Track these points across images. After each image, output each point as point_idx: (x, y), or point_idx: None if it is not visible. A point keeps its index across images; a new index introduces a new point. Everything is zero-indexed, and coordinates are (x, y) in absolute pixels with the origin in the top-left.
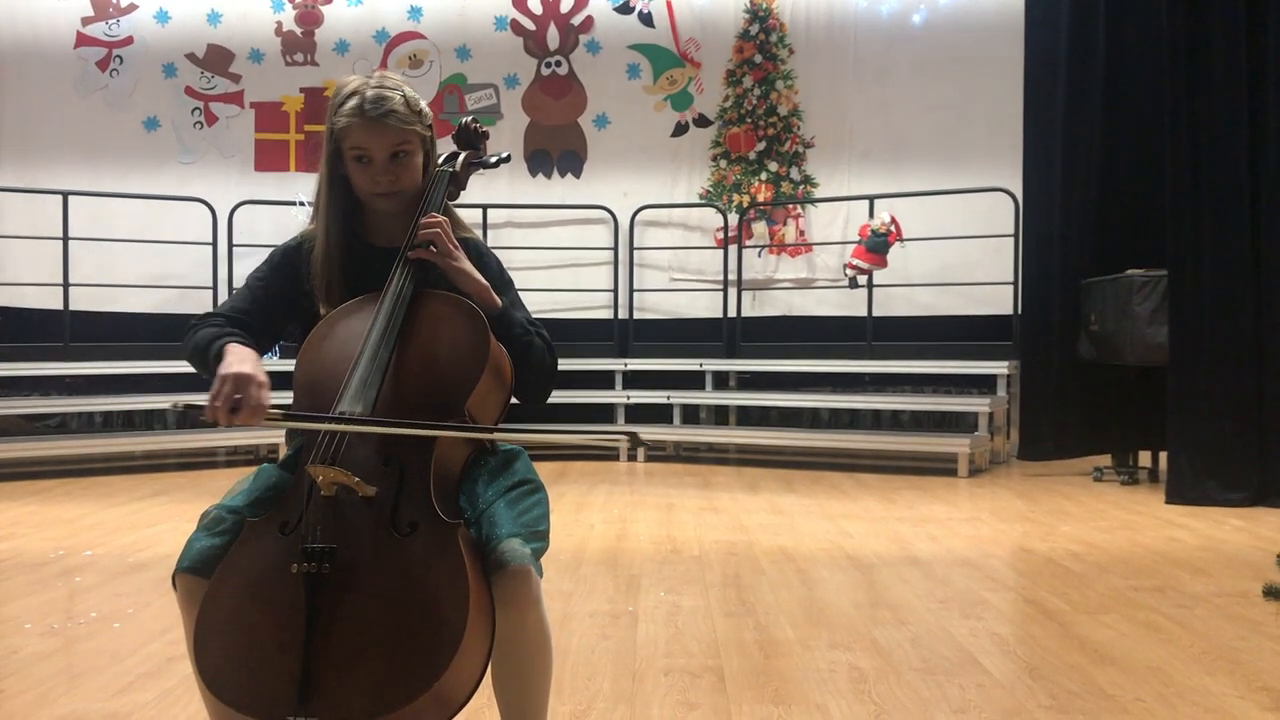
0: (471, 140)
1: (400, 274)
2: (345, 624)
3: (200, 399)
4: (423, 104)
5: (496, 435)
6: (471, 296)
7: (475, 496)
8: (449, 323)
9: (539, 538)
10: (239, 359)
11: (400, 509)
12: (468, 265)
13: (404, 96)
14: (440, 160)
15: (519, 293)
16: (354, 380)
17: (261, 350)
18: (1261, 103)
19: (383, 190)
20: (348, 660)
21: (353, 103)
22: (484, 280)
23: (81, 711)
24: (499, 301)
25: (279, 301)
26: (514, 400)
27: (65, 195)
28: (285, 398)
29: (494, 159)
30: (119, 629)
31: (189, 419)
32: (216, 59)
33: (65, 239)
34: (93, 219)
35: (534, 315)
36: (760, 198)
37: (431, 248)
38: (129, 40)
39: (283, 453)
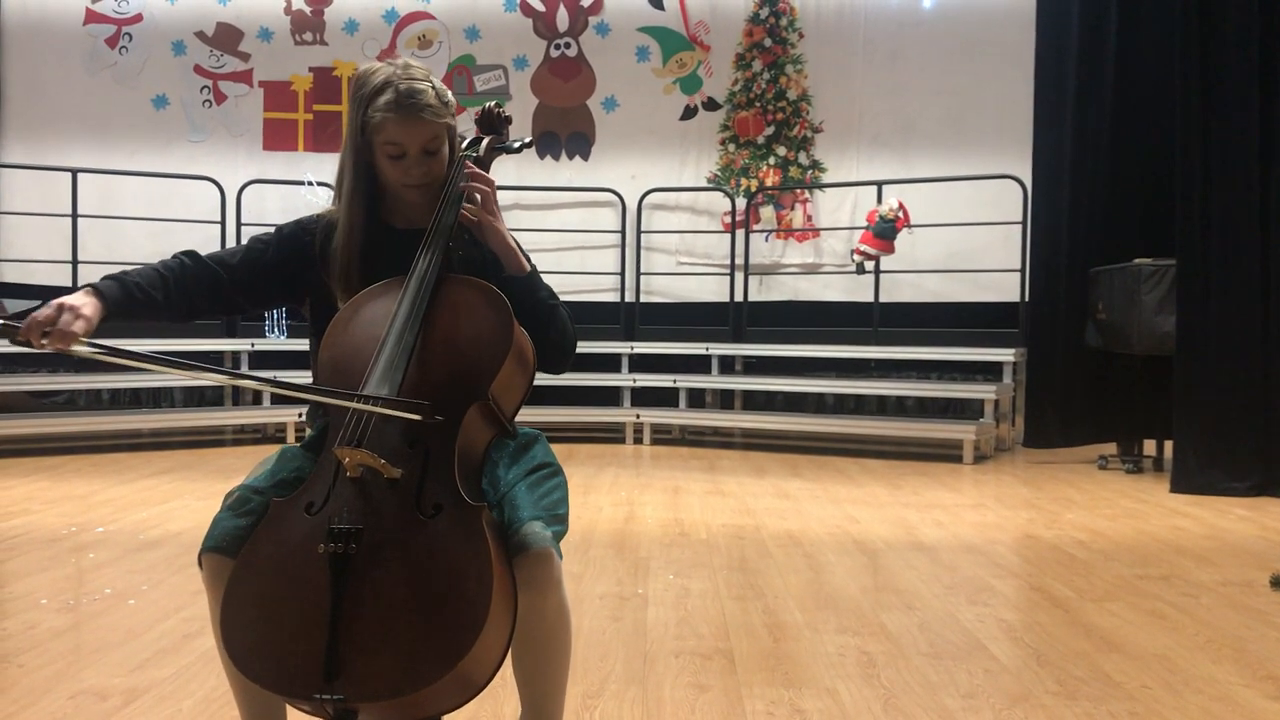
0: (495, 125)
1: (427, 253)
2: (370, 604)
3: (20, 324)
4: (449, 94)
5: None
6: (501, 258)
7: (497, 480)
8: (474, 307)
9: (559, 521)
10: (83, 293)
11: (425, 491)
12: (504, 228)
13: (434, 89)
14: (463, 145)
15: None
16: (380, 363)
17: (230, 307)
18: (1273, 91)
19: (416, 183)
20: (373, 640)
21: (386, 98)
22: (515, 246)
23: (100, 687)
24: (527, 266)
25: (274, 270)
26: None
27: (74, 173)
28: (303, 377)
29: (517, 144)
30: (134, 605)
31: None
32: (226, 37)
33: (74, 216)
34: (101, 197)
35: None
36: (768, 182)
37: (477, 198)
38: (138, 18)
39: (290, 432)
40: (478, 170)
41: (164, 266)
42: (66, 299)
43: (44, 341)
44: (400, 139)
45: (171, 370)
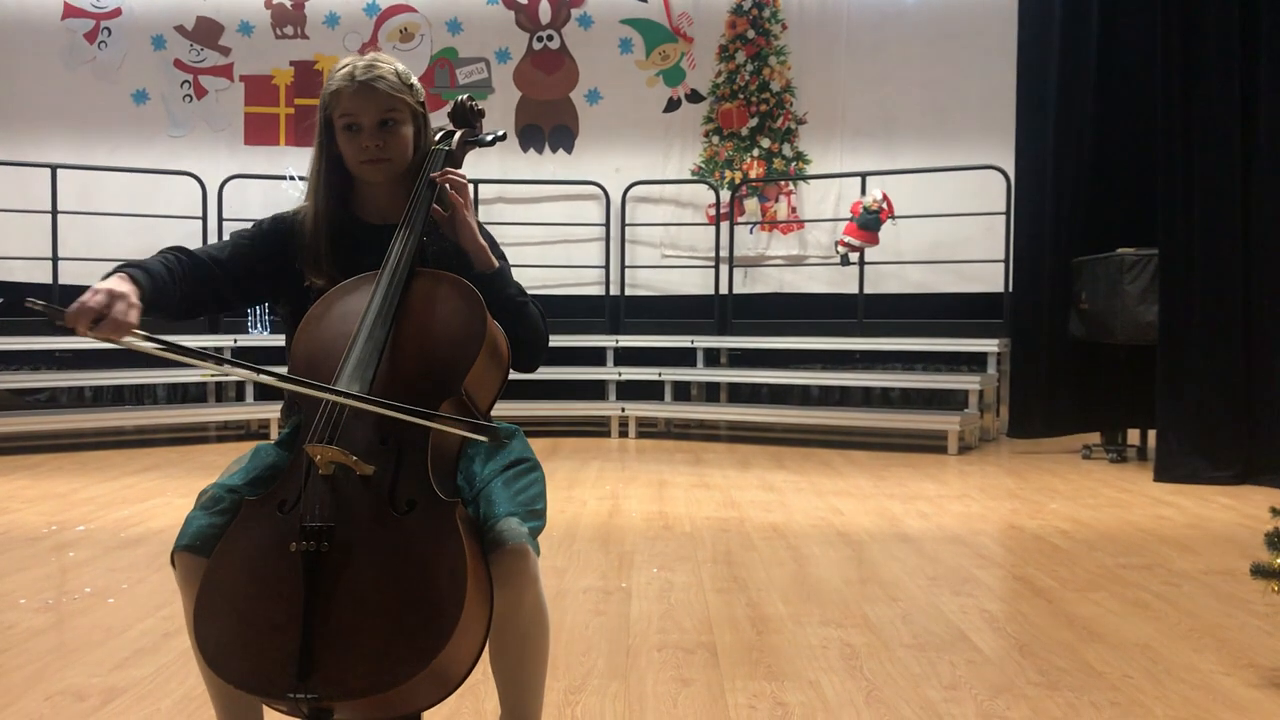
0: (467, 118)
1: (398, 251)
2: (344, 601)
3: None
4: (415, 79)
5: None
6: (470, 254)
7: (473, 475)
8: (446, 301)
9: (536, 516)
10: (119, 279)
11: (398, 487)
12: (475, 224)
13: (395, 69)
14: (436, 138)
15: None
16: (351, 359)
17: (223, 303)
18: (1254, 82)
19: (370, 157)
20: (346, 637)
21: (344, 72)
22: (484, 243)
23: (79, 686)
24: (496, 263)
25: (259, 265)
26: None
27: (54, 169)
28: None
29: (490, 137)
30: (114, 604)
31: (52, 327)
32: (205, 31)
33: (54, 213)
34: (81, 192)
35: (526, 290)
36: (752, 174)
37: (451, 192)
38: (117, 12)
39: (274, 428)
40: (451, 170)
41: (168, 261)
42: (112, 285)
43: (91, 330)
44: (353, 109)
45: (233, 370)
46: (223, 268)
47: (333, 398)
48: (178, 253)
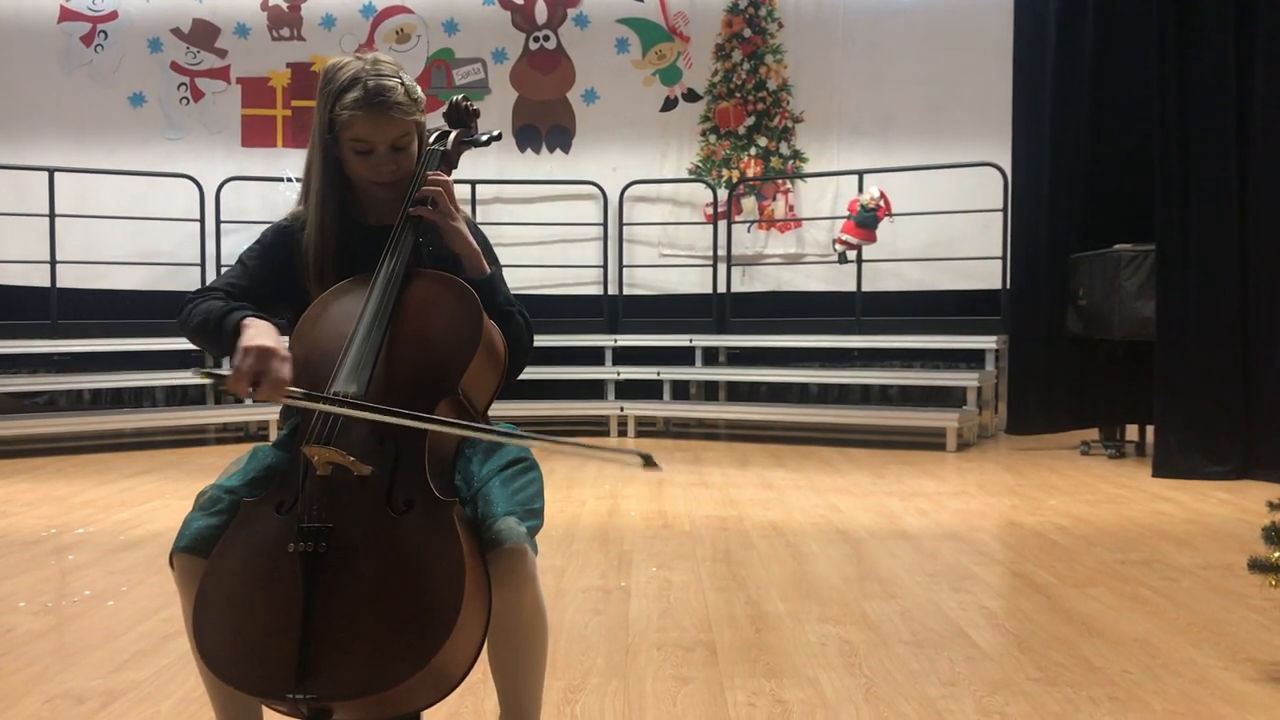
0: (462, 119)
1: (393, 253)
2: (342, 602)
3: (221, 370)
4: (418, 89)
5: (515, 441)
6: (462, 258)
7: (470, 475)
8: (442, 302)
9: (534, 515)
10: (260, 332)
11: (395, 487)
12: (464, 228)
13: (403, 85)
14: (431, 139)
15: (504, 271)
16: (347, 361)
17: None
18: (1249, 79)
19: (385, 179)
20: (345, 638)
21: (355, 94)
22: (477, 247)
23: (78, 689)
24: (488, 269)
25: (273, 280)
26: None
27: (51, 172)
28: None
29: (485, 137)
30: (113, 607)
31: (218, 394)
32: (202, 34)
33: (51, 216)
34: (79, 196)
35: (522, 292)
36: (749, 173)
37: (432, 204)
38: (113, 15)
39: (273, 430)
40: (433, 174)
41: (219, 299)
42: (256, 340)
43: (255, 392)
44: (368, 136)
45: (398, 420)
46: (250, 295)
47: (331, 409)
48: (211, 296)
